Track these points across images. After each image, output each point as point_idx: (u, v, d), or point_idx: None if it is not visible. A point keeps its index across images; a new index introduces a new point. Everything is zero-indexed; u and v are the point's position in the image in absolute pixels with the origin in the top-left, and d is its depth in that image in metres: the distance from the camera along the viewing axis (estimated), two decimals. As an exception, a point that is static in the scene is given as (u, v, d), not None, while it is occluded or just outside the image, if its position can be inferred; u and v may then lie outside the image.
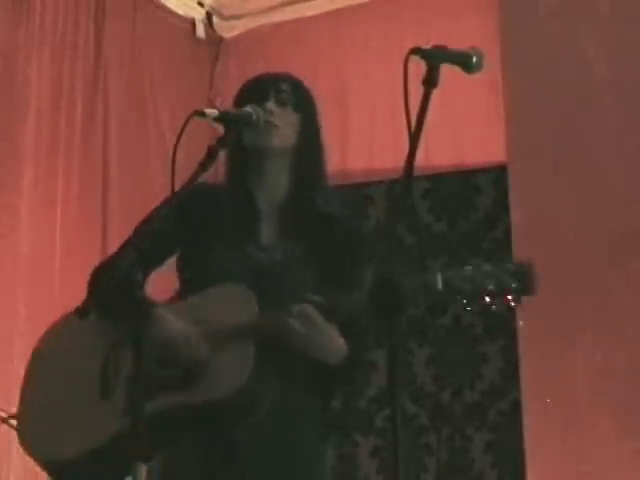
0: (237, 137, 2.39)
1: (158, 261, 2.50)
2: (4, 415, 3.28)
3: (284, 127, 2.46)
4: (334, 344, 2.32)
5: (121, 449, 2.21)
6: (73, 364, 2.48)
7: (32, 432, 2.48)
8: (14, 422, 3.07)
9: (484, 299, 2.06)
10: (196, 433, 2.33)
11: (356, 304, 2.28)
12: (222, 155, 2.37)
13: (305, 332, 2.25)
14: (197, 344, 2.30)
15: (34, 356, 2.57)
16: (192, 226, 2.47)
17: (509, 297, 2.07)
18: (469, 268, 2.07)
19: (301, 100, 2.52)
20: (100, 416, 2.36)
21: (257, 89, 2.49)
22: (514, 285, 2.07)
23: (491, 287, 2.06)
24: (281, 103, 2.47)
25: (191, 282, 2.46)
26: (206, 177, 2.32)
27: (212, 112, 2.33)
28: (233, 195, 2.50)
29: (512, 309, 2.10)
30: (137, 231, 2.44)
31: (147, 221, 2.40)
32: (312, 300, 2.27)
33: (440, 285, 2.03)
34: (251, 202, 2.50)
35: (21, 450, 2.46)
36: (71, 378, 2.46)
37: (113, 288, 2.08)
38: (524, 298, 2.08)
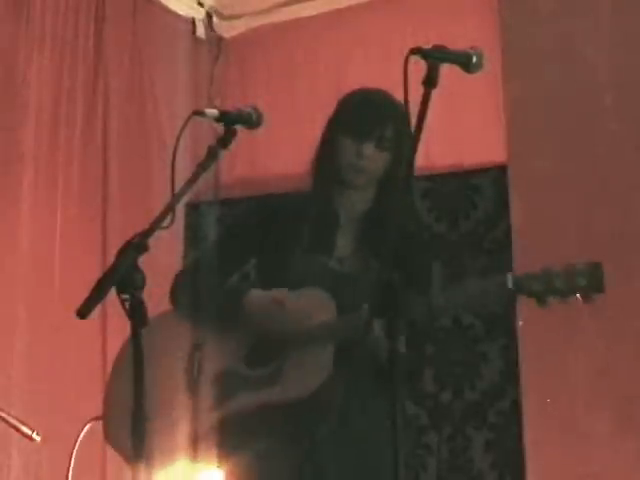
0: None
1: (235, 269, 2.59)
2: (3, 414, 3.27)
3: (373, 170, 2.52)
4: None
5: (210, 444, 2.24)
6: (160, 358, 2.50)
7: (118, 424, 2.47)
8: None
9: (554, 298, 2.18)
10: (274, 432, 2.36)
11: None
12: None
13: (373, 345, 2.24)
14: (292, 309, 2.33)
15: (123, 349, 2.58)
16: (271, 234, 2.51)
17: (578, 296, 2.18)
18: (538, 271, 2.18)
19: (398, 141, 2.52)
20: (187, 414, 2.38)
21: (361, 122, 2.52)
22: (583, 284, 2.18)
23: (560, 286, 2.17)
24: (380, 148, 2.50)
25: (268, 287, 2.49)
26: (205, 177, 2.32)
27: (212, 112, 2.34)
28: (316, 205, 2.52)
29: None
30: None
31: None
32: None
33: (511, 284, 2.15)
34: (332, 213, 2.53)
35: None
36: (158, 373, 2.47)
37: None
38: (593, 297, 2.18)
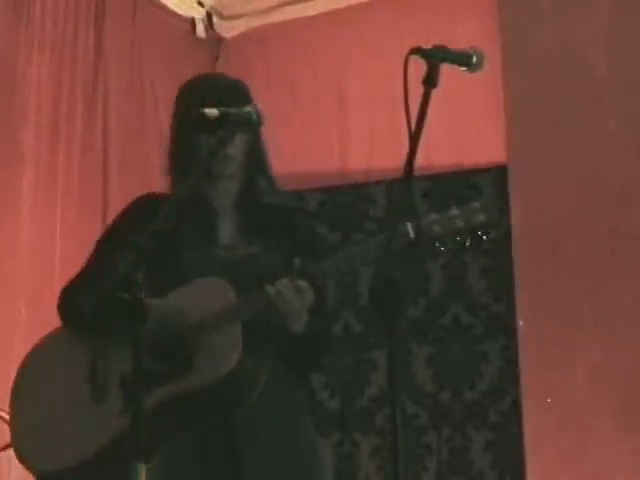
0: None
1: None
2: (3, 414, 3.27)
3: (237, 154, 2.49)
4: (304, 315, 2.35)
5: (122, 449, 2.22)
6: (59, 376, 2.51)
7: (28, 445, 2.50)
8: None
9: (456, 238, 2.25)
10: (193, 422, 2.35)
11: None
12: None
13: (290, 301, 2.28)
14: (190, 313, 2.33)
15: (18, 374, 2.60)
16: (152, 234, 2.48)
17: (479, 232, 2.26)
18: (435, 214, 2.24)
19: (247, 121, 2.48)
20: (96, 420, 2.37)
21: (205, 116, 2.46)
22: (482, 219, 2.26)
23: (461, 225, 2.24)
24: (232, 134, 2.43)
25: (162, 283, 2.46)
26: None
27: (212, 112, 2.33)
28: (189, 200, 2.49)
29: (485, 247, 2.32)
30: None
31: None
32: (297, 267, 2.32)
33: (412, 234, 2.20)
34: (207, 206, 2.52)
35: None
36: (59, 389, 2.49)
37: (113, 289, 2.09)
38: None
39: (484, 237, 2.27)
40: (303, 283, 2.29)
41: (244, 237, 2.50)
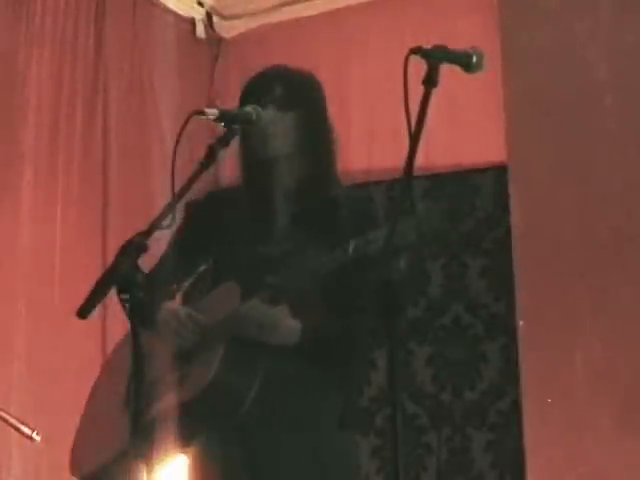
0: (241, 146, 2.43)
1: (190, 272, 2.55)
2: (3, 414, 3.27)
3: (280, 134, 2.47)
4: (283, 327, 2.38)
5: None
6: (117, 377, 2.54)
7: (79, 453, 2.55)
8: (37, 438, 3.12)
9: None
10: (187, 435, 2.37)
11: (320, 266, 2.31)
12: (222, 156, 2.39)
13: (254, 328, 2.32)
14: (186, 319, 2.34)
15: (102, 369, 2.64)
16: (216, 235, 2.50)
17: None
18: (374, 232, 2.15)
19: (296, 99, 2.52)
20: (123, 426, 2.39)
21: (250, 94, 2.50)
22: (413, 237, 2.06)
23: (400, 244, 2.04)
24: (276, 108, 2.47)
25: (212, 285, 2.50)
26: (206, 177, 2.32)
27: (212, 112, 2.34)
28: (249, 199, 2.52)
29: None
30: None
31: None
32: (267, 283, 2.32)
33: (351, 251, 2.14)
34: (268, 202, 2.51)
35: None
36: (112, 391, 2.53)
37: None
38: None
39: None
40: (254, 302, 2.31)
41: (294, 233, 2.50)
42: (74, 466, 2.55)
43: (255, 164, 2.52)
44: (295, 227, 2.50)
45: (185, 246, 2.53)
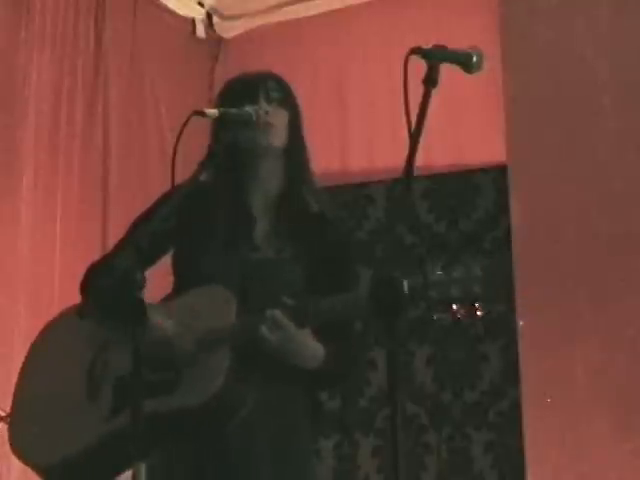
0: (232, 137, 2.41)
1: (153, 260, 2.51)
2: (2, 414, 3.27)
3: (279, 126, 2.47)
4: (309, 350, 2.32)
5: (109, 451, 2.22)
6: (63, 363, 2.48)
7: (22, 434, 2.49)
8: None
9: (451, 306, 2.00)
10: (173, 440, 2.33)
11: (343, 306, 2.29)
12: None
13: (274, 339, 2.24)
14: (186, 340, 2.31)
15: (30, 352, 2.57)
16: (187, 225, 2.46)
17: (476, 305, 1.99)
18: (439, 274, 2.01)
19: (287, 97, 2.53)
20: (87, 418, 2.36)
21: (245, 89, 2.49)
22: (479, 291, 1.99)
23: (457, 294, 1.99)
24: (271, 102, 2.47)
25: (182, 282, 2.47)
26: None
27: (212, 112, 2.34)
28: (227, 195, 2.50)
29: (482, 316, 2.01)
30: (135, 229, 2.47)
31: (145, 220, 2.41)
32: (285, 304, 2.27)
33: (406, 289, 1.88)
34: (245, 202, 2.50)
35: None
36: (60, 377, 2.46)
37: (113, 288, 2.08)
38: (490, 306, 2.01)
39: (478, 313, 1.99)
40: (287, 322, 2.25)
41: (276, 241, 2.46)
42: (22, 449, 2.47)
43: (245, 156, 2.48)
44: (278, 238, 2.47)
45: (157, 234, 2.42)
